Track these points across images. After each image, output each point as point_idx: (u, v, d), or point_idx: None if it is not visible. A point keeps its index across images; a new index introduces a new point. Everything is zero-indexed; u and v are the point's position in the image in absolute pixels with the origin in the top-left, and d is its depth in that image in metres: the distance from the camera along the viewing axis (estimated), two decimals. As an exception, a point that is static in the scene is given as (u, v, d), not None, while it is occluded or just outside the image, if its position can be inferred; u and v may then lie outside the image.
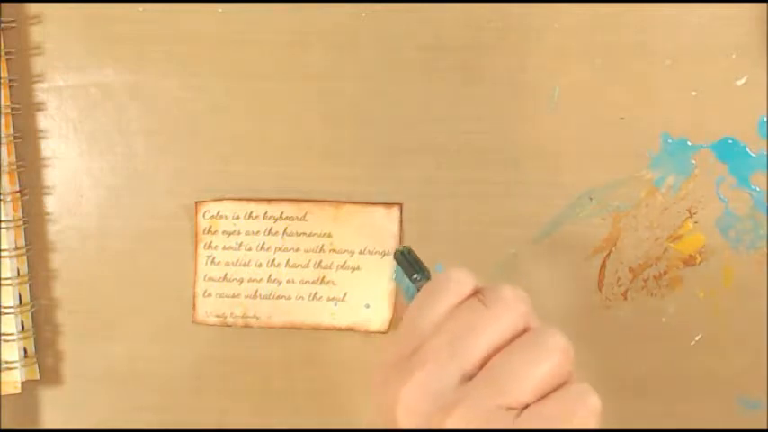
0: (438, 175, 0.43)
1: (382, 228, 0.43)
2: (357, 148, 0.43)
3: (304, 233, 0.43)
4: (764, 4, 0.42)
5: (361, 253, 0.43)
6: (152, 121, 0.44)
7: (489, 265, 0.43)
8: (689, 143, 0.43)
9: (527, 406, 0.30)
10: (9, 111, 0.43)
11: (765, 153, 0.43)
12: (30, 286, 0.44)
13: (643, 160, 0.43)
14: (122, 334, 0.44)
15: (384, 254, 0.43)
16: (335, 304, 0.43)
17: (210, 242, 0.42)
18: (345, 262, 0.43)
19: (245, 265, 0.43)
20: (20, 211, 0.43)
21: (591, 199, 0.43)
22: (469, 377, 0.31)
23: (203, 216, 0.42)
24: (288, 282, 0.43)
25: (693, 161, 0.43)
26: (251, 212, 0.42)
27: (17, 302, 0.43)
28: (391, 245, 0.42)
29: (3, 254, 0.43)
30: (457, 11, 0.43)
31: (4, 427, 0.45)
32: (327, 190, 0.43)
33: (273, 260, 0.43)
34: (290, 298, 0.43)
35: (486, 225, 0.43)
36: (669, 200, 0.43)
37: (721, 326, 0.43)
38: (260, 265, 0.43)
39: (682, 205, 0.43)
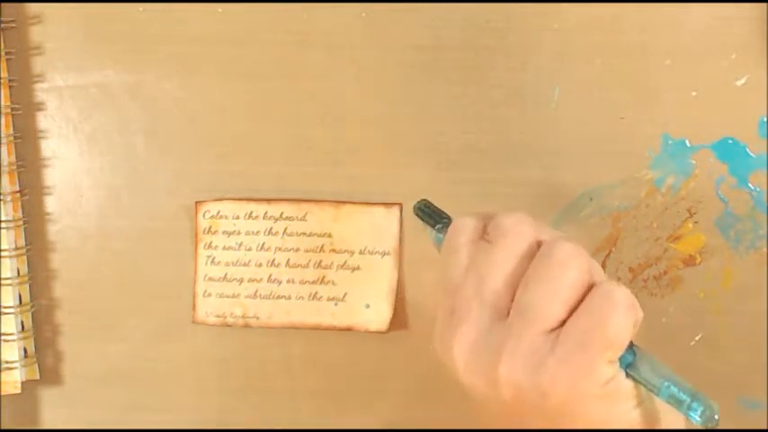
0: (438, 175, 0.43)
1: (382, 228, 0.43)
2: (357, 148, 0.43)
3: (304, 233, 0.43)
4: (764, 4, 0.42)
5: (361, 253, 0.43)
6: (152, 121, 0.44)
7: (489, 265, 0.43)
8: (689, 143, 0.43)
9: (565, 322, 0.30)
10: (9, 111, 0.43)
11: (765, 153, 0.43)
12: (30, 286, 0.44)
13: (643, 160, 0.43)
14: (122, 334, 0.44)
15: (384, 254, 0.43)
16: (335, 304, 0.43)
17: (210, 242, 0.42)
18: (345, 262, 0.43)
19: (245, 265, 0.43)
20: (20, 211, 0.43)
21: (591, 199, 0.43)
22: (506, 315, 0.31)
23: (203, 216, 0.42)
24: (288, 282, 0.43)
25: (693, 161, 0.43)
26: (251, 212, 0.42)
27: (17, 302, 0.43)
28: (391, 245, 0.42)
29: (3, 254, 0.43)
30: (457, 11, 0.43)
31: (4, 427, 0.45)
32: (327, 190, 0.43)
33: (273, 260, 0.42)
34: (290, 298, 0.43)
35: (486, 225, 0.43)
36: (669, 200, 0.43)
37: (721, 326, 0.43)
38: (260, 265, 0.43)
39: (682, 205, 0.43)
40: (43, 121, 0.44)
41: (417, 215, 0.37)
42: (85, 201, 0.44)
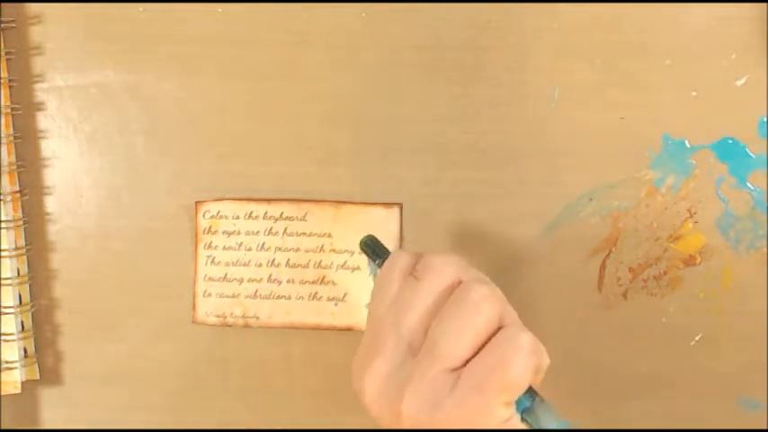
0: (438, 175, 0.43)
1: (382, 228, 0.43)
2: (357, 148, 0.43)
3: (304, 233, 0.43)
4: (764, 4, 0.42)
5: (361, 253, 0.42)
6: (152, 121, 0.44)
7: (489, 264, 0.43)
8: (689, 143, 0.43)
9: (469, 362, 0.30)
10: (9, 111, 0.43)
11: (765, 153, 0.43)
12: (30, 286, 0.44)
13: (643, 160, 0.43)
14: (122, 334, 0.44)
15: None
16: (335, 304, 0.43)
17: (210, 242, 0.42)
18: (345, 262, 0.43)
19: (245, 265, 0.43)
20: (20, 211, 0.43)
21: (591, 199, 0.43)
22: (419, 352, 0.31)
23: (203, 216, 0.42)
24: (288, 282, 0.43)
25: (693, 161, 0.43)
26: (251, 212, 0.42)
27: (17, 302, 0.43)
28: (391, 245, 0.42)
29: (3, 254, 0.43)
30: (457, 11, 0.43)
31: (4, 427, 0.45)
32: (327, 190, 0.43)
33: (273, 260, 0.42)
34: (290, 298, 0.43)
35: (486, 225, 0.43)
36: (669, 200, 0.43)
37: (721, 326, 0.43)
38: (260, 265, 0.43)
39: (682, 205, 0.43)
40: (43, 121, 0.44)
41: (362, 249, 0.38)
42: (85, 201, 0.44)
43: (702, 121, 0.43)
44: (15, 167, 0.43)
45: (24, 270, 0.43)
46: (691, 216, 0.43)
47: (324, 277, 0.43)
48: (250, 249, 0.43)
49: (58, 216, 0.44)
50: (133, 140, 0.44)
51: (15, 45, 0.43)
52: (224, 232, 0.42)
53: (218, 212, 0.42)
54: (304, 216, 0.42)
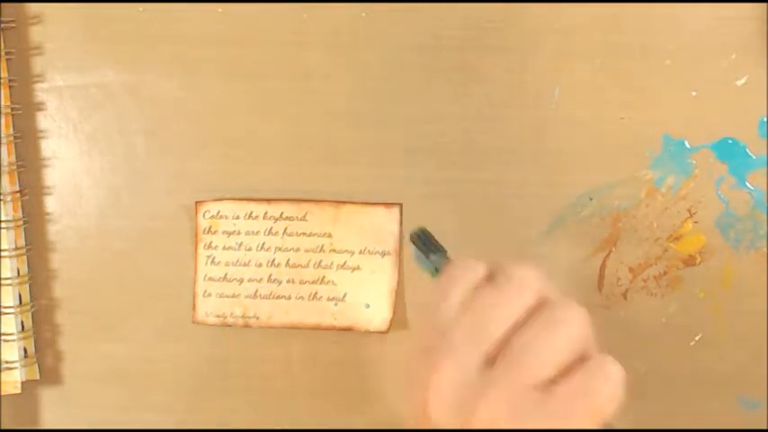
0: (438, 175, 0.43)
1: (382, 228, 0.43)
2: (357, 148, 0.43)
3: (304, 233, 0.43)
4: (764, 4, 0.42)
5: (361, 253, 0.43)
6: (152, 121, 0.44)
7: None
8: (689, 143, 0.43)
9: (554, 381, 0.30)
10: (9, 111, 0.43)
11: (765, 153, 0.43)
12: (30, 286, 0.44)
13: (643, 160, 0.43)
14: (122, 334, 0.44)
15: (384, 254, 0.43)
16: (335, 304, 0.43)
17: (210, 242, 0.42)
18: (345, 262, 0.43)
19: (245, 265, 0.43)
20: (20, 211, 0.43)
21: (591, 199, 0.43)
22: (493, 362, 0.31)
23: (203, 216, 0.42)
24: (288, 282, 0.43)
25: (693, 161, 0.43)
26: (251, 212, 0.42)
27: (17, 302, 0.43)
28: (391, 245, 0.42)
29: (3, 254, 0.43)
30: (457, 11, 0.43)
31: (4, 427, 0.45)
32: (327, 190, 0.43)
33: (273, 260, 0.42)
34: (290, 298, 0.43)
35: (486, 225, 0.43)
36: (669, 200, 0.43)
37: (721, 326, 0.43)
38: (260, 266, 0.43)
39: (682, 205, 0.43)
40: (43, 121, 0.44)
41: (413, 241, 0.37)
42: (85, 201, 0.44)
43: (702, 121, 0.43)
44: (15, 167, 0.43)
45: (24, 270, 0.43)
46: (691, 216, 0.43)
47: (324, 277, 0.43)
48: (250, 249, 0.43)
49: (58, 216, 0.44)
50: (133, 140, 0.44)
51: (15, 45, 0.43)
52: (224, 232, 0.42)
53: (218, 212, 0.42)
54: (304, 216, 0.42)
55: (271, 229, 0.42)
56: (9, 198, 0.43)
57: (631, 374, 0.43)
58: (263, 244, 0.42)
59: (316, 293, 0.43)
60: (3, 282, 0.43)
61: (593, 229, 0.43)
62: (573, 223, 0.43)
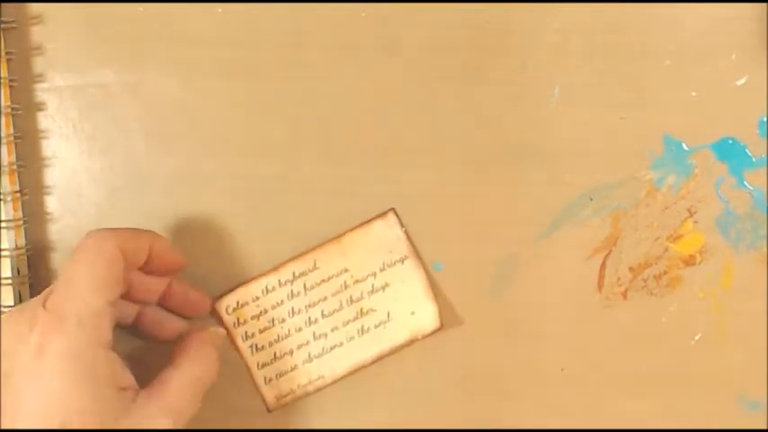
0: (438, 176, 0.43)
1: (388, 237, 0.42)
2: (357, 148, 0.43)
3: (323, 280, 0.42)
4: (764, 4, 0.42)
5: (381, 270, 0.42)
6: (152, 121, 0.44)
7: (489, 265, 0.43)
8: (689, 143, 0.43)
9: None
10: (9, 111, 0.43)
11: (765, 153, 0.43)
12: (30, 286, 0.44)
13: (643, 160, 0.43)
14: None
15: (403, 259, 0.42)
16: (384, 327, 0.42)
17: (245, 332, 0.42)
18: (373, 286, 0.42)
19: (286, 336, 0.42)
20: (20, 211, 0.43)
21: (591, 199, 0.43)
22: None
23: (227, 313, 0.42)
24: (333, 330, 0.42)
25: (693, 161, 0.43)
26: (266, 287, 0.42)
27: (17, 302, 0.43)
28: (404, 248, 0.42)
29: (3, 254, 0.43)
30: (457, 11, 0.43)
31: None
32: (327, 190, 0.43)
33: (309, 318, 0.42)
34: (342, 344, 0.42)
35: (486, 225, 0.43)
36: (669, 200, 0.43)
37: (721, 326, 0.43)
38: (300, 330, 0.42)
39: (682, 205, 0.43)
40: (43, 121, 0.44)
41: None
42: (85, 201, 0.44)
43: (702, 121, 0.43)
44: (15, 167, 0.43)
45: (24, 270, 0.43)
46: (691, 216, 0.43)
47: (361, 309, 0.42)
48: (284, 320, 0.42)
49: (58, 216, 0.44)
50: (133, 140, 0.44)
51: (16, 45, 0.43)
52: (252, 317, 0.42)
53: (238, 302, 0.42)
54: (314, 266, 0.42)
55: (291, 292, 0.42)
56: (9, 198, 0.43)
57: (631, 374, 0.44)
58: (293, 309, 0.42)
59: (362, 327, 0.42)
60: (3, 282, 0.43)
61: (593, 229, 0.43)
62: (573, 223, 0.43)
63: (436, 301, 0.43)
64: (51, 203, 0.44)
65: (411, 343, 0.43)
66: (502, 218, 0.43)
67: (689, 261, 0.43)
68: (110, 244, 0.36)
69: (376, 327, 0.42)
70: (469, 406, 0.44)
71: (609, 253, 0.43)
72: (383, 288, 0.42)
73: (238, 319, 0.42)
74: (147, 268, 0.39)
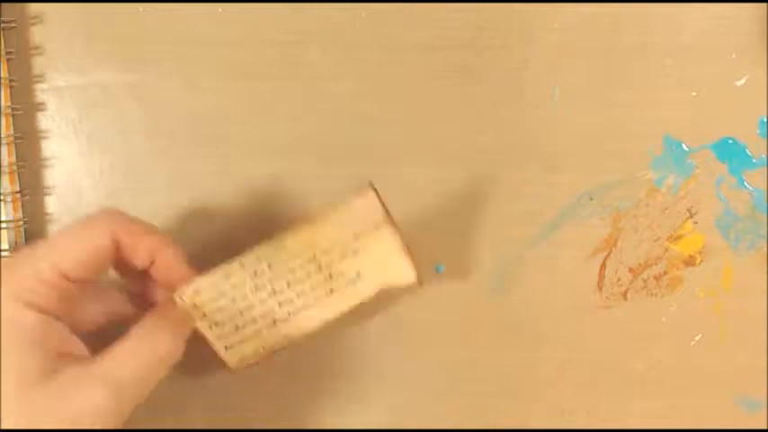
0: (437, 175, 0.43)
1: (364, 210, 0.39)
2: (357, 149, 0.43)
3: (290, 257, 0.39)
4: (764, 4, 0.42)
5: (355, 238, 0.39)
6: (152, 121, 0.44)
7: (489, 265, 0.43)
8: (689, 143, 0.43)
9: None
10: (9, 111, 0.43)
11: (765, 153, 0.43)
12: (30, 286, 0.44)
13: (643, 160, 0.43)
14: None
15: (377, 226, 0.39)
16: (355, 285, 0.39)
17: (204, 313, 0.39)
18: (343, 252, 0.39)
19: (249, 308, 0.39)
20: (20, 211, 0.43)
21: (591, 199, 0.43)
22: None
23: (180, 299, 0.38)
24: (298, 295, 0.39)
25: (693, 161, 0.43)
26: (226, 274, 0.39)
27: (17, 302, 0.43)
28: (379, 215, 0.38)
29: (3, 254, 0.43)
30: (457, 11, 0.43)
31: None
32: (327, 190, 0.43)
33: (273, 290, 0.39)
34: (308, 307, 0.40)
35: (486, 225, 0.43)
36: (669, 200, 0.43)
37: (721, 326, 0.43)
38: (264, 302, 0.39)
39: (682, 205, 0.43)
40: (43, 121, 0.44)
41: None
42: (85, 201, 0.44)
43: (702, 121, 0.43)
44: (15, 167, 0.43)
45: (24, 270, 0.43)
46: (691, 216, 0.43)
47: (330, 274, 0.39)
48: (246, 297, 0.39)
49: (58, 216, 0.44)
50: (133, 140, 0.44)
51: (16, 45, 0.43)
52: (210, 299, 0.39)
53: (195, 290, 0.38)
54: (282, 246, 0.39)
55: (255, 272, 0.39)
56: (9, 198, 0.43)
57: (631, 374, 0.44)
58: (255, 285, 0.39)
59: (332, 290, 0.39)
60: (3, 282, 0.43)
61: (593, 229, 0.43)
62: (573, 223, 0.43)
63: (413, 259, 0.39)
64: (51, 204, 0.44)
65: (384, 291, 0.39)
66: (502, 218, 0.43)
67: (689, 261, 0.43)
68: (103, 229, 0.35)
69: (346, 286, 0.39)
70: (469, 406, 0.44)
71: (609, 253, 0.43)
72: (355, 253, 0.39)
73: (195, 304, 0.38)
74: (152, 274, 0.38)
